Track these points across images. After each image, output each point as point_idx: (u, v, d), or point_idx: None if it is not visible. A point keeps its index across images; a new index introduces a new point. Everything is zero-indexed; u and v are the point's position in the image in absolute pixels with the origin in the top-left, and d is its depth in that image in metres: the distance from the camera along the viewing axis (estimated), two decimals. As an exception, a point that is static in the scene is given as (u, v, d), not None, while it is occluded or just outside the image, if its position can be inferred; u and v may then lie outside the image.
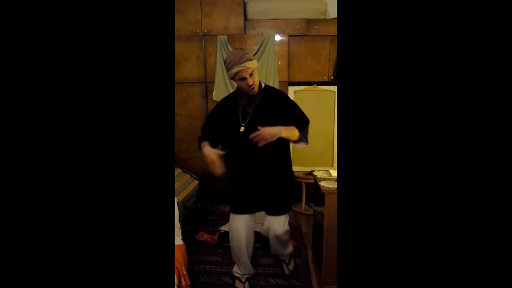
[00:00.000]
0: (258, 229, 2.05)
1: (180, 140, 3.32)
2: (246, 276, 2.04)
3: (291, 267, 2.18)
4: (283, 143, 1.73)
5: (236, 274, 2.04)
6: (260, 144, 1.58)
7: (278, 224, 1.83)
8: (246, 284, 2.02)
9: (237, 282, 2.03)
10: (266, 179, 1.76)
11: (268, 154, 1.69)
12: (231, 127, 1.73)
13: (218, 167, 1.69)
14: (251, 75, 1.61)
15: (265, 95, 1.74)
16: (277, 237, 1.88)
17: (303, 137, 1.74)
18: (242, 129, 1.69)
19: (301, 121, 1.74)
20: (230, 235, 1.91)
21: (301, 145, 1.79)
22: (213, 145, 1.76)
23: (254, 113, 1.70)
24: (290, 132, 1.67)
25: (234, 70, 1.59)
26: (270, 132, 1.58)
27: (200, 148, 1.79)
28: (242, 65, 1.57)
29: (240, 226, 1.83)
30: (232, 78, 1.65)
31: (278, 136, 1.61)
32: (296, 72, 3.18)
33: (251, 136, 1.57)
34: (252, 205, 1.82)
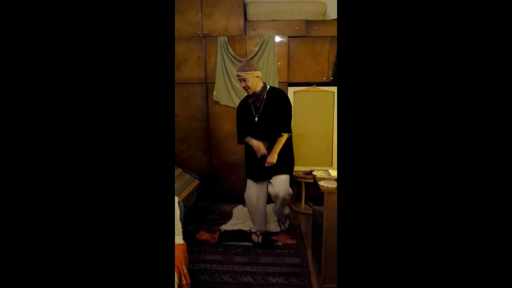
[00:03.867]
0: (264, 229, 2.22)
1: (181, 140, 3.34)
2: (260, 232, 2.57)
3: (286, 225, 2.77)
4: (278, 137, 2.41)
5: (252, 230, 2.62)
6: (269, 165, 2.36)
7: (281, 182, 2.46)
8: (260, 237, 2.55)
9: (253, 236, 2.57)
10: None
11: (273, 138, 2.41)
12: (248, 118, 2.45)
13: (264, 150, 2.38)
14: (244, 80, 2.33)
15: (269, 94, 2.40)
16: (280, 194, 2.45)
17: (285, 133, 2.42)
18: (256, 119, 2.41)
19: (283, 129, 2.39)
20: (246, 198, 2.60)
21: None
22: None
23: (263, 108, 2.40)
24: (279, 146, 2.38)
25: (237, 73, 2.38)
26: (273, 157, 2.35)
27: (240, 143, 2.54)
28: (238, 72, 2.35)
29: (254, 189, 2.54)
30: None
31: (276, 154, 2.37)
32: (295, 73, 3.19)
33: (267, 165, 2.35)
34: (263, 174, 2.47)
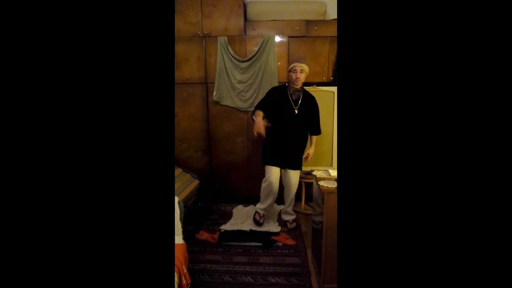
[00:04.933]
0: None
1: (181, 140, 3.34)
2: (263, 213, 2.79)
3: (293, 225, 2.86)
4: (306, 132, 2.72)
5: (258, 210, 2.80)
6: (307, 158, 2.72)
7: (294, 174, 2.75)
8: (262, 218, 2.80)
9: (256, 215, 2.81)
10: (297, 146, 2.68)
11: (303, 132, 2.70)
12: (287, 107, 2.60)
13: (261, 130, 2.50)
14: (301, 71, 2.49)
15: (305, 93, 2.65)
16: (291, 182, 2.75)
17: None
18: (296, 111, 2.59)
19: (315, 130, 2.73)
20: (266, 180, 2.73)
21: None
22: (265, 114, 2.61)
23: (301, 103, 2.61)
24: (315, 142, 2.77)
25: (293, 64, 2.50)
26: (312, 151, 2.73)
27: (253, 114, 2.64)
28: (299, 63, 2.48)
29: (273, 173, 2.70)
30: (290, 70, 2.54)
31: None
32: (295, 72, 3.19)
33: (306, 156, 2.70)
34: (282, 161, 2.70)
